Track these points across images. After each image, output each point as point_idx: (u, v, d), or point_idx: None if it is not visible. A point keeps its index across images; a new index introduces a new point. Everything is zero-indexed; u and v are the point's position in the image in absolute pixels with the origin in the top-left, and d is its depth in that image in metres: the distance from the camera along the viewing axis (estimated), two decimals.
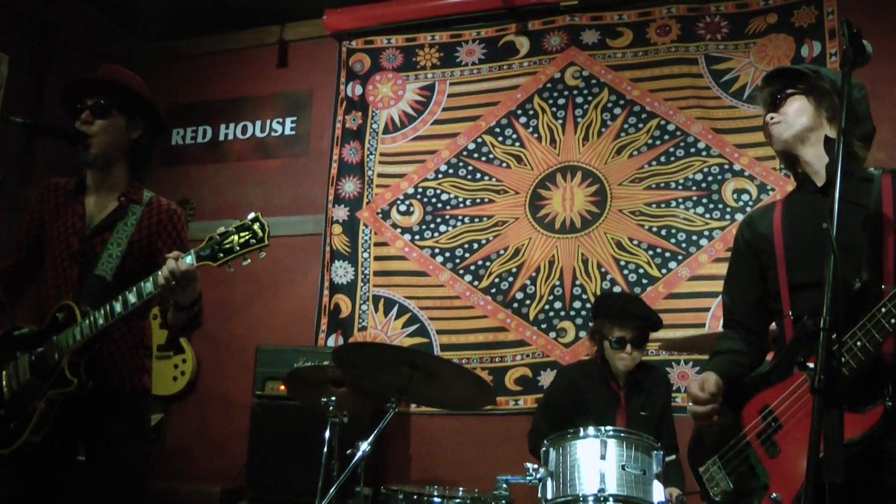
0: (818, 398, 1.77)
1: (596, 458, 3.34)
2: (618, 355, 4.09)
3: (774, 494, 2.33)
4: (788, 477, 2.28)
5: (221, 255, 2.70)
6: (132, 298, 2.73)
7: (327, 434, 4.09)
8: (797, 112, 2.54)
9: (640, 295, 5.07)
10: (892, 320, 2.10)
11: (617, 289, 5.16)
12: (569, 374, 4.41)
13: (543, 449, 3.51)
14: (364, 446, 3.57)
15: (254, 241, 2.71)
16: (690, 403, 2.43)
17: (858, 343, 2.15)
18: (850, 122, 2.11)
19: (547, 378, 5.08)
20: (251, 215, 2.75)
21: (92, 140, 2.98)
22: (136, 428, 3.01)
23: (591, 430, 3.42)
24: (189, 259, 2.67)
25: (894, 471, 2.19)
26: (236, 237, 2.70)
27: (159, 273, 2.68)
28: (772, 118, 2.60)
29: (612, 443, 3.37)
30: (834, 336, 2.14)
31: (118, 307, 2.74)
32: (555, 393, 4.39)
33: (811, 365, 2.13)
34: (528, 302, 5.32)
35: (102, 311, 2.75)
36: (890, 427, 2.15)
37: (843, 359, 2.14)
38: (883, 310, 2.12)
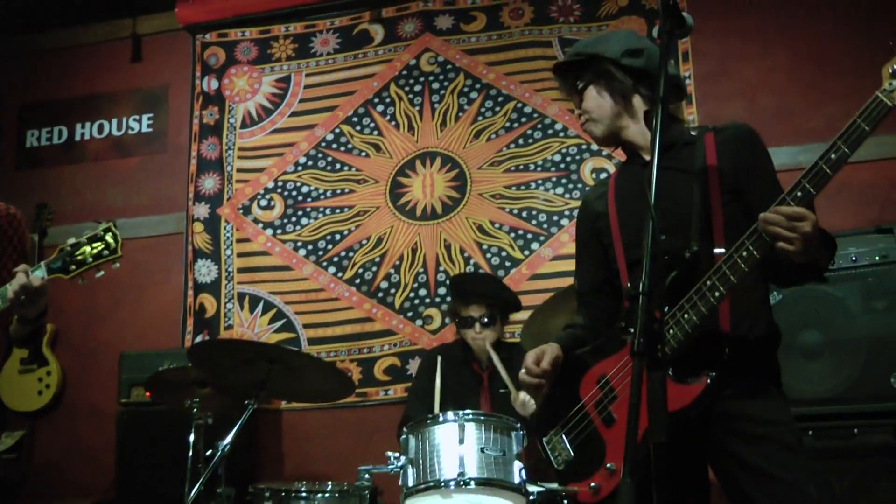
0: (637, 360, 1.79)
1: (454, 443, 3.34)
2: (469, 335, 4.14)
3: (609, 464, 2.38)
4: (623, 445, 2.32)
5: (73, 266, 2.65)
6: None
7: (192, 437, 4.03)
8: (596, 107, 2.53)
9: (503, 277, 5.11)
10: (717, 293, 2.14)
11: (480, 272, 5.18)
12: (431, 359, 4.42)
13: (403, 437, 3.51)
14: (223, 445, 3.52)
15: (107, 252, 2.67)
16: (521, 372, 2.46)
17: (685, 315, 2.19)
18: (656, 91, 2.08)
19: (415, 366, 5.07)
20: (103, 225, 2.69)
21: None
22: None
23: (449, 414, 3.43)
24: (39, 273, 2.59)
25: (727, 428, 2.26)
26: (88, 248, 2.65)
27: (8, 287, 2.58)
28: (580, 118, 2.60)
29: (470, 426, 3.38)
30: (666, 308, 2.21)
31: None
32: (419, 379, 4.41)
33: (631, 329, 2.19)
34: (392, 291, 5.30)
35: None
36: (717, 395, 2.21)
37: (671, 330, 2.20)
38: (708, 283, 2.16)
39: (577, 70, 2.58)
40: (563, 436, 2.55)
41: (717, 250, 2.26)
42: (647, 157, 2.48)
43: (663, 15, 2.14)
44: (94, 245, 2.65)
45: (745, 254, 2.09)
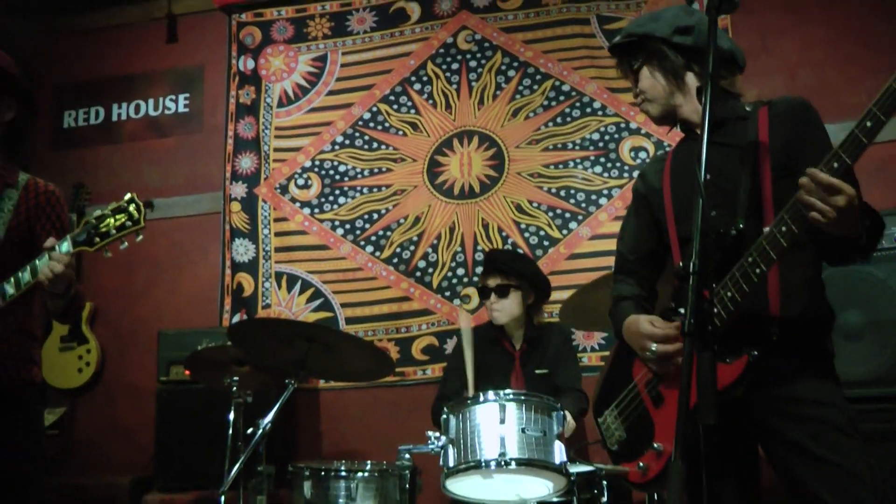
0: (688, 341, 1.78)
1: (495, 423, 3.32)
2: (488, 307, 4.14)
3: (657, 444, 2.36)
4: (670, 425, 2.28)
5: (98, 239, 2.66)
6: (10, 290, 2.67)
7: (231, 415, 4.05)
8: (650, 87, 2.51)
9: (541, 257, 5.09)
10: (758, 270, 2.10)
11: (519, 252, 5.15)
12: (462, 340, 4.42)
13: (444, 416, 3.50)
14: (264, 423, 3.53)
15: (130, 223, 2.67)
16: (653, 346, 2.33)
17: (728, 293, 2.16)
18: (707, 66, 2.05)
19: (453, 346, 5.07)
20: (127, 196, 2.70)
21: None
22: (24, 423, 2.89)
23: (490, 394, 3.42)
24: (66, 246, 2.61)
25: (774, 409, 2.23)
26: (112, 220, 2.66)
27: (37, 262, 2.60)
28: (637, 98, 2.58)
29: (511, 406, 3.36)
30: (714, 287, 2.18)
31: None
32: (453, 359, 4.42)
33: (682, 310, 2.16)
34: (430, 270, 5.30)
35: None
36: (763, 375, 2.17)
37: (715, 308, 2.16)
38: (749, 259, 2.12)
39: (631, 50, 2.55)
40: (616, 415, 2.53)
41: (766, 228, 2.22)
42: (699, 132, 2.44)
43: None
44: (118, 217, 2.66)
45: (783, 228, 2.05)
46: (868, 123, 1.91)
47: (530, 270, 4.24)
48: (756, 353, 2.14)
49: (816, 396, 2.21)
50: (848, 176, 1.94)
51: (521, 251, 5.12)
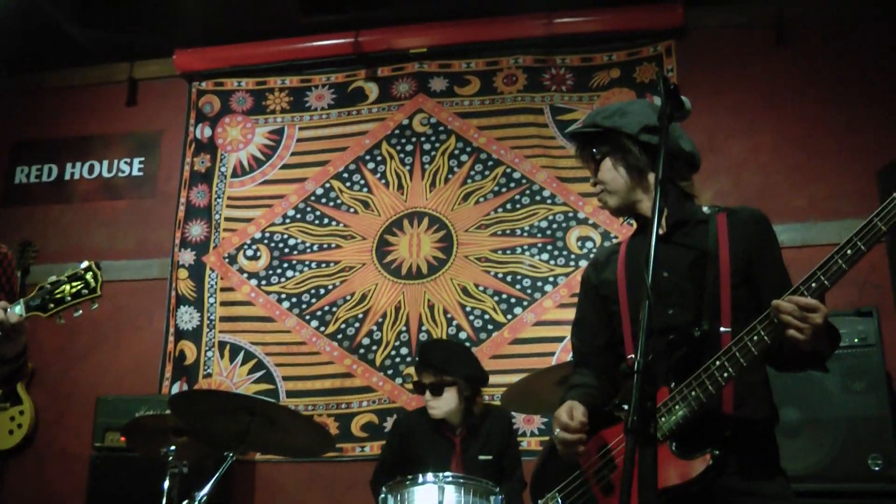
0: (630, 438, 1.82)
1: None
2: (424, 401, 4.12)
3: None
4: None
5: (52, 305, 2.63)
6: None
7: (166, 485, 4.00)
8: (611, 179, 2.52)
9: (485, 340, 5.14)
10: (725, 374, 2.16)
11: (462, 334, 5.20)
12: (401, 424, 4.39)
13: (382, 496, 3.51)
14: (200, 496, 3.50)
15: (86, 290, 2.65)
16: (558, 430, 2.38)
17: (692, 393, 2.21)
18: (668, 170, 2.12)
19: (392, 422, 5.07)
20: (84, 264, 2.69)
21: None
22: None
23: (429, 476, 3.45)
24: (18, 309, 2.56)
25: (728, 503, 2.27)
26: (68, 286, 2.64)
27: None
28: (595, 186, 2.59)
29: (449, 489, 3.40)
30: (673, 384, 2.23)
31: None
32: (389, 442, 4.40)
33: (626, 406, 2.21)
34: (374, 348, 5.31)
35: None
36: (718, 472, 2.21)
37: (676, 406, 2.22)
38: (717, 363, 2.17)
39: (594, 138, 2.58)
40: (560, 500, 2.54)
41: (723, 329, 2.28)
42: (660, 231, 2.37)
43: (664, 98, 2.21)
44: (74, 284, 2.64)
45: (755, 337, 2.11)
46: (849, 251, 2.00)
47: (465, 367, 4.16)
48: (718, 452, 2.19)
49: (771, 491, 2.27)
50: (820, 296, 2.04)
51: (462, 338, 5.17)
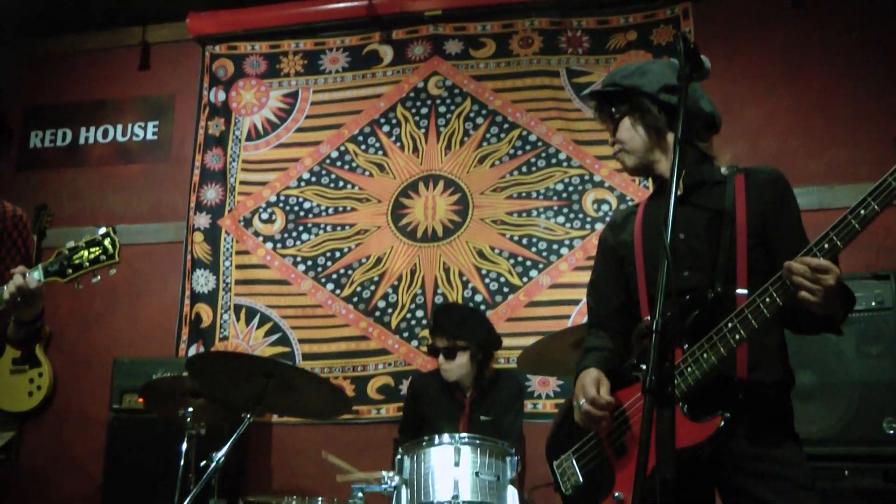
0: (648, 398, 1.82)
1: (450, 466, 3.39)
2: (438, 363, 4.16)
3: (617, 493, 2.40)
4: (632, 477, 2.33)
5: (70, 271, 2.64)
6: None
7: (184, 447, 4.03)
8: (630, 139, 2.51)
9: (500, 303, 5.15)
10: (737, 336, 2.16)
11: (478, 297, 5.21)
12: (413, 385, 4.50)
13: (398, 457, 3.54)
14: (217, 457, 3.54)
15: (104, 257, 2.65)
16: (583, 402, 2.40)
17: (704, 355, 2.21)
18: (686, 130, 2.12)
19: (408, 385, 5.10)
20: (102, 230, 2.68)
21: None
22: None
23: (445, 437, 3.47)
24: (37, 275, 2.59)
25: (738, 467, 2.28)
26: (86, 252, 2.64)
27: (5, 288, 2.58)
28: (614, 146, 2.59)
29: (466, 450, 3.42)
30: (686, 346, 2.24)
31: None
32: (406, 404, 4.46)
33: (643, 367, 2.21)
34: (389, 311, 5.32)
35: None
36: (730, 435, 2.23)
37: (689, 368, 2.23)
38: (729, 325, 2.18)
39: (613, 98, 2.57)
40: (574, 461, 2.56)
41: (739, 291, 2.28)
42: (678, 192, 2.47)
43: (683, 58, 2.19)
44: (92, 250, 2.64)
45: (767, 299, 2.11)
46: (862, 211, 1.98)
47: (478, 332, 4.22)
48: (729, 414, 2.20)
49: (781, 456, 2.27)
50: (834, 258, 2.02)
51: (477, 301, 5.19)
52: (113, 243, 2.65)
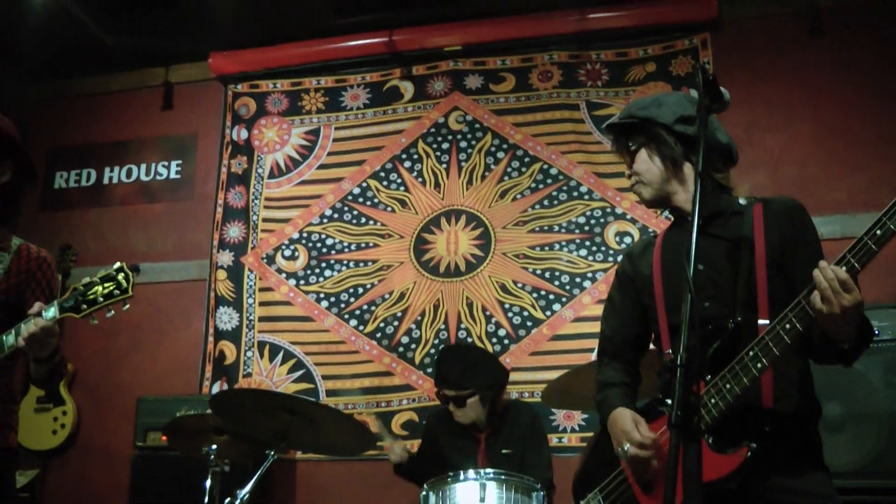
0: (674, 433, 1.80)
1: (475, 502, 3.35)
2: (451, 410, 4.10)
3: None
4: None
5: (85, 306, 2.63)
6: None
7: (208, 483, 4.02)
8: (646, 170, 2.50)
9: (524, 337, 5.13)
10: (759, 364, 2.13)
11: (501, 331, 5.19)
12: (429, 424, 4.42)
13: (423, 493, 3.51)
14: (242, 494, 3.52)
15: (118, 291, 2.65)
16: (628, 447, 2.36)
17: (727, 385, 2.18)
18: (707, 162, 2.11)
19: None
20: (116, 265, 2.69)
21: None
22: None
23: (470, 472, 3.44)
24: (52, 311, 2.59)
25: (767, 500, 2.23)
26: (100, 288, 2.64)
27: (22, 326, 2.59)
28: (630, 178, 2.58)
29: (491, 485, 3.39)
30: (709, 377, 2.21)
31: None
32: (422, 440, 4.42)
33: (668, 401, 2.19)
34: (413, 346, 5.32)
35: None
36: (757, 466, 2.19)
37: (712, 399, 2.20)
38: (750, 353, 2.15)
39: (630, 130, 2.57)
40: (601, 499, 2.53)
41: (761, 321, 2.26)
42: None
43: (702, 89, 2.18)
44: (107, 285, 2.64)
45: (787, 326, 2.09)
46: (878, 232, 1.96)
47: (484, 375, 4.10)
48: (755, 445, 2.16)
49: (810, 488, 2.23)
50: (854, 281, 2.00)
51: (501, 335, 5.16)
52: (126, 278, 2.66)
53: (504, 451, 4.02)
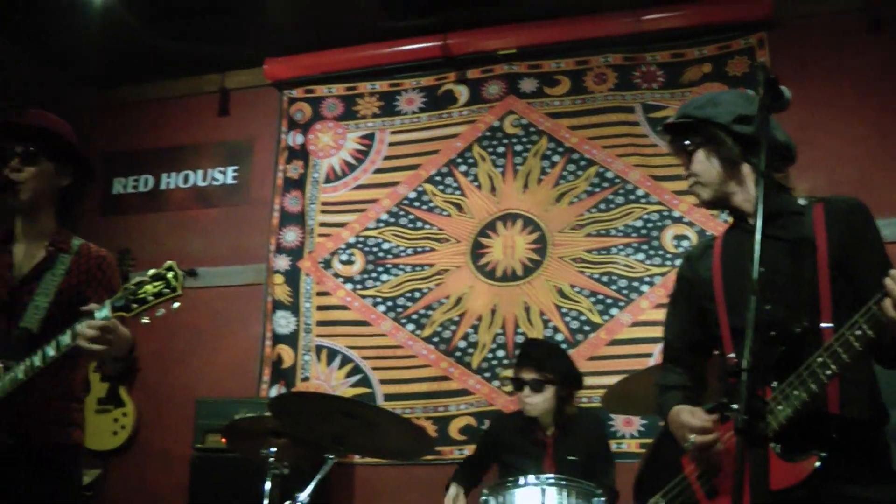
0: (741, 438, 1.79)
1: None
2: (520, 399, 4.12)
3: None
4: None
5: (135, 305, 2.67)
6: (50, 351, 2.67)
7: (267, 486, 4.04)
8: (704, 171, 2.48)
9: (581, 342, 5.11)
10: (828, 371, 2.09)
11: (559, 336, 5.18)
12: (493, 427, 4.46)
13: (483, 498, 3.51)
14: (302, 497, 3.54)
15: (167, 290, 2.69)
16: (691, 437, 2.35)
17: (795, 392, 2.14)
18: (769, 162, 2.09)
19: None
20: (166, 264, 2.73)
21: (21, 187, 2.89)
22: (63, 487, 2.88)
23: (530, 478, 3.44)
24: (104, 311, 2.63)
25: None
26: (150, 287, 2.67)
27: (77, 326, 2.63)
28: (688, 179, 2.56)
29: (551, 491, 3.39)
30: (775, 384, 2.19)
31: (37, 361, 2.67)
32: (480, 442, 4.44)
33: (734, 406, 2.16)
34: (470, 350, 5.32)
35: (23, 366, 2.68)
36: (825, 476, 2.14)
37: (779, 406, 2.16)
38: (819, 360, 2.10)
39: (687, 130, 2.53)
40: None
41: (823, 325, 2.22)
42: (753, 223, 2.34)
43: (763, 88, 2.16)
44: (156, 284, 2.67)
45: (858, 332, 2.03)
46: None
47: (565, 366, 4.20)
48: (825, 454, 2.11)
49: (880, 497, 2.19)
50: None
51: (559, 339, 5.15)
52: (176, 276, 2.69)
53: (570, 457, 4.02)
